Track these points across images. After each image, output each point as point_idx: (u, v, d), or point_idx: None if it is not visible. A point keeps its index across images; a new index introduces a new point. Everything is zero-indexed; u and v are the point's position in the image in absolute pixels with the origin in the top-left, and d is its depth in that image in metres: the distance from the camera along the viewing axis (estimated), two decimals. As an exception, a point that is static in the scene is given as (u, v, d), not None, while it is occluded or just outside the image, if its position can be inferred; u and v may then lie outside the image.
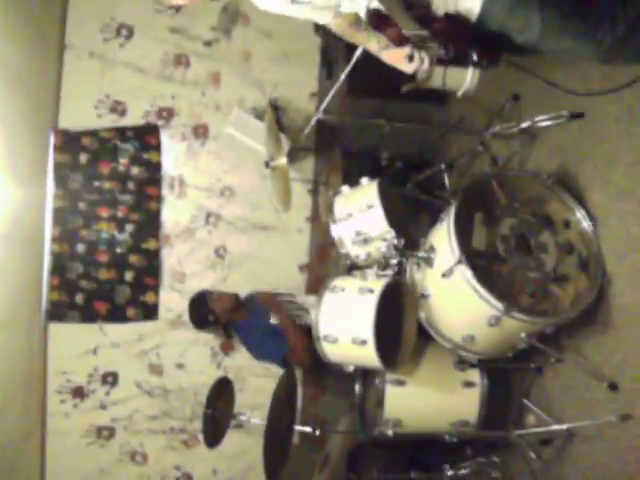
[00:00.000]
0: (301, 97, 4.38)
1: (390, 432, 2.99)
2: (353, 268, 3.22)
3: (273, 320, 3.51)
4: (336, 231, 3.17)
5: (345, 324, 2.80)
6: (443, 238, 2.82)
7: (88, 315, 4.04)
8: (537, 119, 3.16)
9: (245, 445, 4.12)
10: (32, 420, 3.89)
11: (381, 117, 4.30)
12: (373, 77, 3.09)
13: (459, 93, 2.84)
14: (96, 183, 4.02)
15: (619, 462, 2.67)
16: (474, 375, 3.14)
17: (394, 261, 2.95)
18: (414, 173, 4.18)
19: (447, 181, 3.88)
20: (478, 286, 2.65)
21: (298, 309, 3.72)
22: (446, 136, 4.32)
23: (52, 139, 3.93)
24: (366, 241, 3.07)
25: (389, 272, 2.94)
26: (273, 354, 3.62)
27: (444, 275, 2.78)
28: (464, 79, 3.07)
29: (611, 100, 2.76)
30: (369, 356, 2.72)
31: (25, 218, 3.65)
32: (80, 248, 4.01)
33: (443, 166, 3.84)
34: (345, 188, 3.31)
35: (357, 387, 3.35)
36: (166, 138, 4.21)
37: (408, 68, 2.35)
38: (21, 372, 3.61)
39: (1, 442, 3.28)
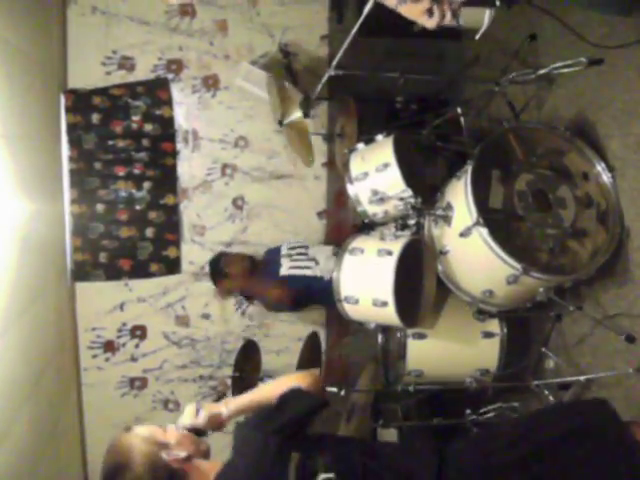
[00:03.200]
0: (311, 41, 4.27)
1: (412, 388, 3.07)
2: (370, 226, 3.24)
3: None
4: (352, 190, 3.16)
5: (365, 286, 2.83)
6: (460, 196, 2.81)
7: (112, 273, 4.12)
8: (554, 66, 3.07)
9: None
10: (68, 376, 4.05)
11: (394, 57, 4.23)
12: (384, 15, 2.99)
13: (477, 36, 2.73)
14: (110, 142, 4.01)
15: (635, 410, 2.75)
16: (493, 325, 3.19)
17: (412, 221, 2.95)
18: (430, 115, 4.12)
19: (463, 124, 3.81)
20: (496, 247, 2.66)
21: (308, 260, 3.74)
22: (462, 74, 4.22)
23: (62, 101, 3.90)
24: (383, 200, 3.06)
25: (407, 232, 2.94)
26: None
27: (462, 235, 2.79)
28: (481, 19, 2.97)
29: (632, 48, 2.68)
30: (390, 316, 2.77)
31: (43, 183, 3.67)
32: (99, 208, 4.05)
33: (459, 110, 3.76)
34: (360, 145, 3.27)
35: (379, 338, 3.43)
36: (177, 91, 4.15)
37: (428, 23, 2.22)
38: (54, 333, 3.72)
39: (43, 398, 3.42)
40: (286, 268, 3.74)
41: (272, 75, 3.65)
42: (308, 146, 3.46)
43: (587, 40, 2.75)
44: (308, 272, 3.72)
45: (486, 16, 2.91)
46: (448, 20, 2.20)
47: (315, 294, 3.72)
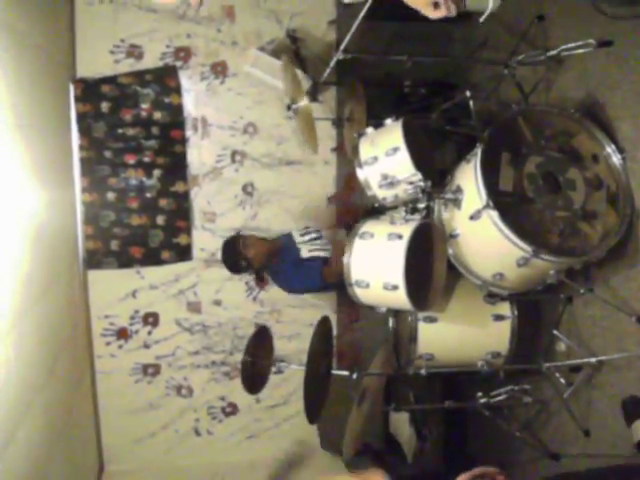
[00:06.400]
0: (319, 26, 4.26)
1: (424, 371, 3.09)
2: (380, 210, 3.24)
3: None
4: (362, 175, 3.16)
5: (376, 270, 2.83)
6: (470, 179, 2.81)
7: (124, 261, 4.15)
8: (563, 47, 3.06)
9: (286, 373, 4.28)
10: (82, 363, 4.08)
11: (402, 41, 4.20)
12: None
13: (482, 19, 2.72)
14: (120, 130, 4.03)
15: (647, 392, 2.76)
16: (504, 308, 3.20)
17: (422, 205, 2.94)
18: (438, 99, 4.10)
19: (472, 108, 3.79)
20: (506, 229, 2.67)
21: (326, 245, 3.74)
22: (470, 57, 4.20)
23: (72, 90, 3.91)
24: (392, 184, 3.05)
25: (417, 216, 2.94)
26: (311, 279, 3.65)
27: (472, 218, 2.79)
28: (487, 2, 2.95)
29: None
30: (401, 300, 2.77)
31: (54, 172, 3.69)
32: (110, 196, 4.07)
33: (468, 93, 3.74)
34: (370, 129, 3.26)
35: (390, 322, 3.44)
36: (185, 79, 4.16)
37: (433, 14, 2.27)
38: (67, 321, 3.75)
39: (58, 385, 3.45)
40: (306, 251, 3.73)
41: (288, 58, 3.62)
42: (314, 131, 3.45)
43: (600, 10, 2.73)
44: (327, 254, 3.70)
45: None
46: (453, 13, 2.25)
47: None
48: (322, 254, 3.71)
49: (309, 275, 3.69)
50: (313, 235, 3.81)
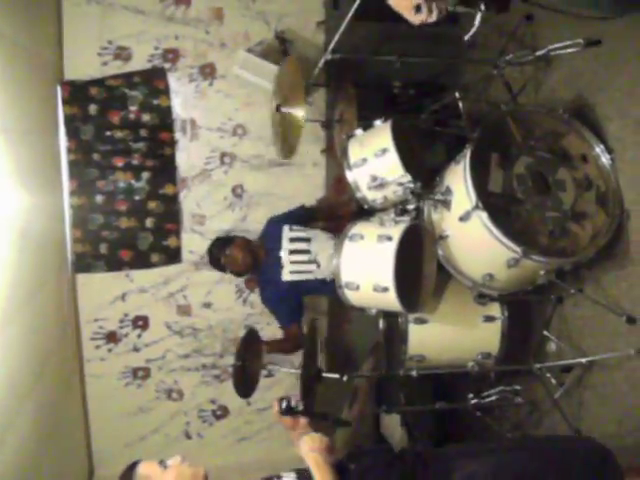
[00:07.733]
0: (308, 27, 4.24)
1: (415, 373, 3.08)
2: (370, 212, 3.23)
3: None
4: (351, 176, 3.15)
5: (365, 272, 2.82)
6: (459, 180, 2.81)
7: (113, 264, 4.11)
8: (551, 47, 3.06)
9: (276, 376, 4.26)
10: (71, 367, 4.06)
11: (391, 42, 4.20)
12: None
13: (467, 37, 2.75)
14: (108, 133, 3.99)
15: (636, 392, 2.76)
16: (494, 309, 3.20)
17: (411, 206, 2.94)
18: (428, 100, 4.10)
19: (462, 109, 3.80)
20: (496, 230, 2.67)
21: (309, 262, 3.69)
22: (459, 58, 4.20)
23: (59, 92, 3.89)
24: (382, 186, 3.04)
25: (406, 218, 2.93)
26: (281, 317, 3.79)
27: (461, 219, 2.79)
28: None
29: (629, 28, 2.68)
30: (391, 302, 2.77)
31: (42, 175, 3.66)
32: (99, 199, 4.03)
33: (457, 94, 3.74)
34: (359, 131, 3.25)
35: (381, 323, 3.43)
36: (174, 81, 4.12)
37: (414, 19, 2.30)
38: (56, 325, 3.73)
39: (46, 390, 3.42)
40: (287, 273, 3.69)
41: (290, 59, 3.59)
42: (294, 142, 3.44)
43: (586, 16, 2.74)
44: (309, 276, 3.69)
45: (476, 19, 2.93)
46: (434, 19, 2.26)
47: (315, 292, 3.89)
48: (303, 277, 3.69)
49: (281, 313, 3.79)
50: (302, 245, 3.77)
